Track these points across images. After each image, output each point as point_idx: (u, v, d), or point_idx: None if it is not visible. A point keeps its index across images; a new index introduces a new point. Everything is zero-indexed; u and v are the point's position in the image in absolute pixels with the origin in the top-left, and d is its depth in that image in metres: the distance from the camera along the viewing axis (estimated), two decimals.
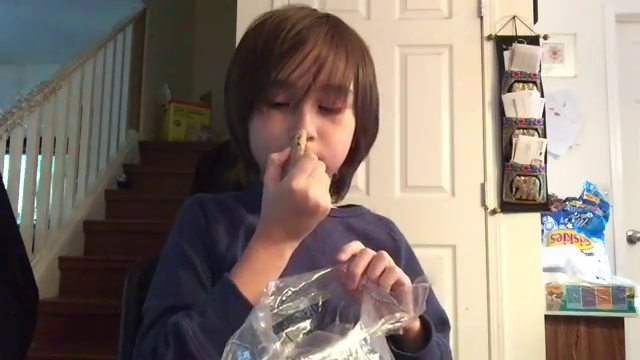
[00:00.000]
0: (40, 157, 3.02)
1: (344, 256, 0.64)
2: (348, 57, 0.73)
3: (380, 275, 0.63)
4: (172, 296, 0.68)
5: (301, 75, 0.70)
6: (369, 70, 0.78)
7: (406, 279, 0.64)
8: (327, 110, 0.73)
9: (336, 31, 0.75)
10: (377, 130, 0.83)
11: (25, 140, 2.93)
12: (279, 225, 0.66)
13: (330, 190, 0.84)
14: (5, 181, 2.40)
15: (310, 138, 0.70)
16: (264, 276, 0.64)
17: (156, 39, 4.14)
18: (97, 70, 3.55)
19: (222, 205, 0.77)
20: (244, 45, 0.77)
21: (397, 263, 0.66)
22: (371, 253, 0.65)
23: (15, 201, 2.67)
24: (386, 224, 0.89)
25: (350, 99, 0.75)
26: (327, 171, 0.76)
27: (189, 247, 0.72)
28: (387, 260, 0.64)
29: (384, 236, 0.84)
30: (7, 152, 2.84)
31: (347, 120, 0.76)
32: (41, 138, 3.03)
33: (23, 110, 2.88)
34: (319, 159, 0.72)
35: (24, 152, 2.94)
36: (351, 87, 0.74)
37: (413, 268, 0.83)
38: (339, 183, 0.85)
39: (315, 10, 0.78)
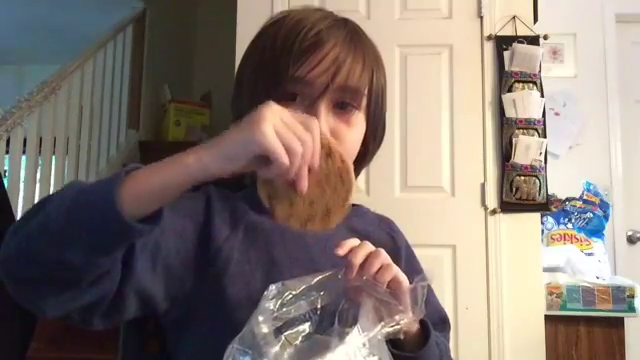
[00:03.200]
0: (40, 157, 3.02)
1: (341, 251, 0.64)
2: (365, 61, 0.74)
3: (377, 272, 0.63)
4: None
5: (320, 74, 0.71)
6: (382, 76, 0.79)
7: (403, 277, 0.65)
8: (341, 111, 0.74)
9: (355, 35, 0.76)
10: (383, 137, 0.83)
11: (25, 140, 2.93)
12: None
13: None
14: (5, 181, 2.40)
15: None
16: (158, 171, 0.57)
17: (156, 39, 4.14)
18: (97, 70, 3.55)
19: (227, 200, 0.78)
20: (260, 42, 0.77)
21: (397, 263, 0.66)
22: (369, 246, 0.65)
23: (15, 201, 2.67)
24: (387, 224, 0.89)
25: (364, 102, 0.76)
26: None
27: (167, 208, 0.71)
28: (384, 257, 0.65)
29: (384, 236, 0.85)
30: (7, 152, 2.84)
31: (359, 122, 0.76)
32: (41, 138, 3.03)
33: (23, 110, 2.88)
34: None
35: (24, 152, 2.94)
36: (365, 91, 0.75)
37: (413, 267, 0.83)
38: None
39: (332, 13, 0.79)
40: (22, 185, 2.90)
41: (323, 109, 0.72)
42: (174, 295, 0.70)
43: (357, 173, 0.84)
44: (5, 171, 2.80)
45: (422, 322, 0.71)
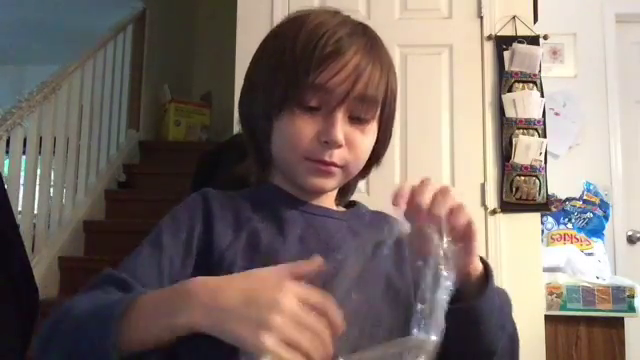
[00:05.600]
0: (40, 157, 3.02)
1: (401, 199, 0.60)
2: (382, 69, 0.74)
3: (449, 214, 0.60)
4: (125, 270, 0.68)
5: (340, 82, 0.70)
6: (394, 81, 0.79)
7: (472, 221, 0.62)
8: (357, 119, 0.73)
9: (374, 42, 0.75)
10: (389, 142, 0.83)
11: (25, 140, 2.93)
12: (218, 293, 0.56)
13: (336, 200, 0.85)
14: (5, 181, 2.40)
15: (339, 146, 0.71)
16: (148, 325, 0.57)
17: (156, 39, 4.14)
18: (97, 70, 3.55)
19: (229, 202, 0.77)
20: (277, 43, 0.75)
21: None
22: (434, 184, 0.61)
23: (15, 201, 2.67)
24: (383, 218, 0.89)
25: (379, 111, 0.76)
26: (346, 176, 0.77)
27: (168, 232, 0.71)
28: (453, 196, 0.61)
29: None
30: (7, 152, 2.84)
31: (373, 130, 0.77)
32: (41, 138, 3.03)
33: (23, 110, 2.88)
34: (342, 165, 0.73)
35: (24, 152, 2.94)
36: (381, 99, 0.75)
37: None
38: (344, 188, 0.86)
39: (350, 17, 0.78)
40: (22, 185, 2.90)
41: (340, 118, 0.71)
42: None
43: (364, 176, 0.85)
44: (5, 171, 2.80)
45: (485, 265, 0.69)
